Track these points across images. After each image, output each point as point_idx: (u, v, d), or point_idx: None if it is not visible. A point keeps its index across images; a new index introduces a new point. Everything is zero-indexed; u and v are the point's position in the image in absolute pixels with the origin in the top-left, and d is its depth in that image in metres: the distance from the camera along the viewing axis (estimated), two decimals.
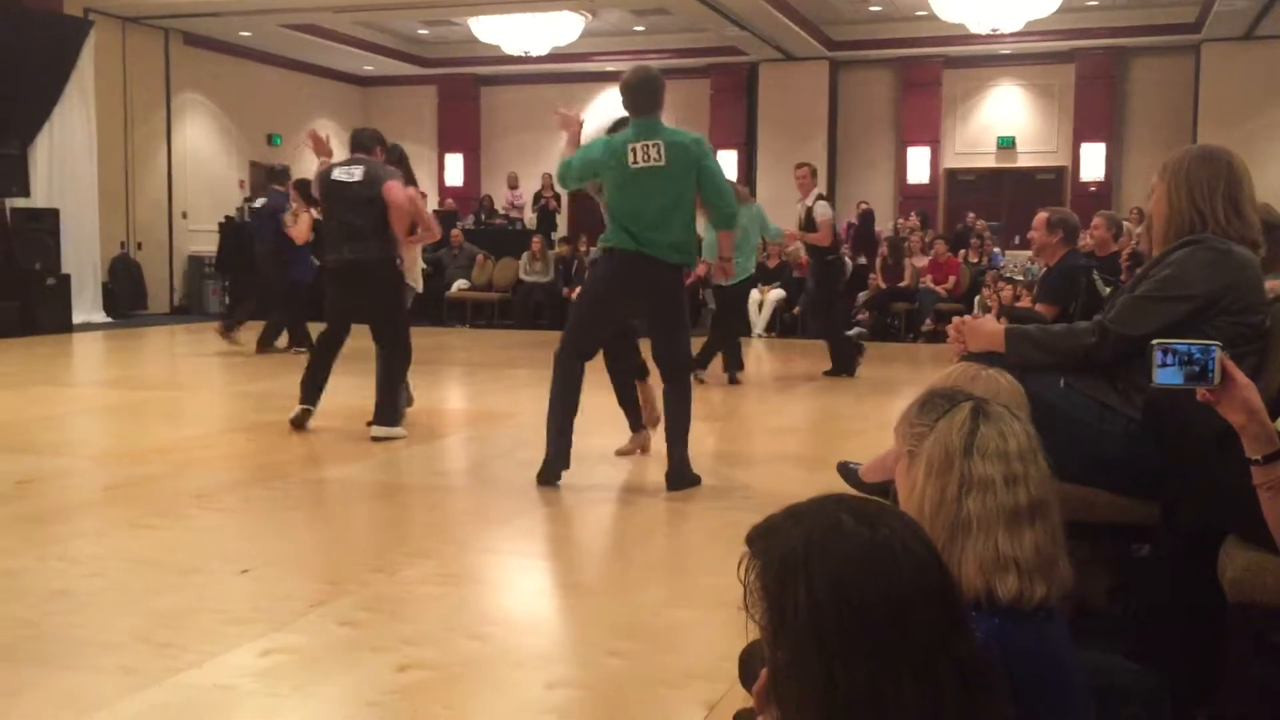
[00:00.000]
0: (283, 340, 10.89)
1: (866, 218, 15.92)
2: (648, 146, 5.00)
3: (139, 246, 16.16)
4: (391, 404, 6.44)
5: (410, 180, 7.02)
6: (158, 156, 16.45)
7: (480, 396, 8.44)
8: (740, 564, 1.28)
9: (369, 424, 6.41)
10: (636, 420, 5.97)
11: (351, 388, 7.82)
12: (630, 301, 5.26)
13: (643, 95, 5.08)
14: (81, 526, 4.50)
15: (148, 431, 6.94)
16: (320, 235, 7.14)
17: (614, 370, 5.89)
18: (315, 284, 9.03)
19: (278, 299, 10.88)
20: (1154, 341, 1.84)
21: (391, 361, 6.51)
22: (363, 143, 6.67)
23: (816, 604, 1.22)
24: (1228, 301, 2.69)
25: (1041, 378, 2.79)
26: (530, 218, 17.93)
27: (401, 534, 4.45)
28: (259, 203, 11.32)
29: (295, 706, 2.77)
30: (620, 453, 5.88)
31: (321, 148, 6.83)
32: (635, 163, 5.01)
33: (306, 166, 17.82)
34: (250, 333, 11.14)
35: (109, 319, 14.80)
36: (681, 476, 5.13)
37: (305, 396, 6.62)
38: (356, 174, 6.47)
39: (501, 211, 17.98)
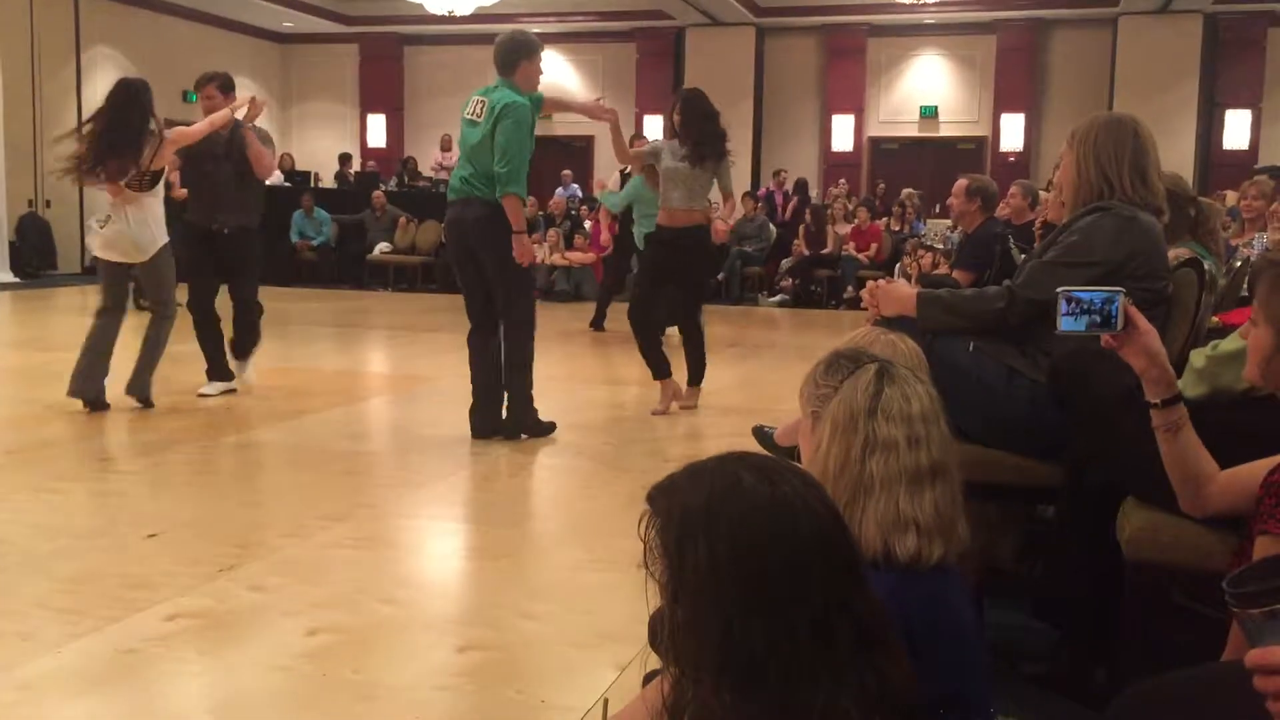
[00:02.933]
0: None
1: (802, 186, 16.14)
2: (478, 101, 5.28)
3: (48, 205, 15.68)
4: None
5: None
6: (68, 112, 15.92)
7: (402, 361, 8.33)
8: (640, 521, 1.28)
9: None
10: (660, 370, 6.27)
11: (265, 353, 7.65)
12: (464, 249, 5.33)
13: (496, 56, 5.33)
14: None
15: (52, 394, 6.73)
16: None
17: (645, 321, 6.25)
18: None
19: None
20: (1059, 290, 1.87)
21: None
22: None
23: (715, 560, 1.22)
24: (1133, 267, 2.73)
25: (950, 341, 2.82)
26: None
27: (315, 498, 4.38)
28: None
29: (200, 671, 2.72)
30: (656, 412, 6.22)
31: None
32: (465, 114, 5.31)
33: None
34: None
35: (16, 279, 14.37)
36: (517, 423, 5.41)
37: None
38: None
39: (430, 173, 17.72)
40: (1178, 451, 1.97)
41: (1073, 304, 1.85)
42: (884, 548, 1.59)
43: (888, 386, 1.66)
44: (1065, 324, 1.86)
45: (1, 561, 3.47)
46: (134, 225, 5.84)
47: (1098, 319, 1.85)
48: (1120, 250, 2.73)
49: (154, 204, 5.93)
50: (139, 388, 5.99)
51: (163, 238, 5.99)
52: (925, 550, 1.60)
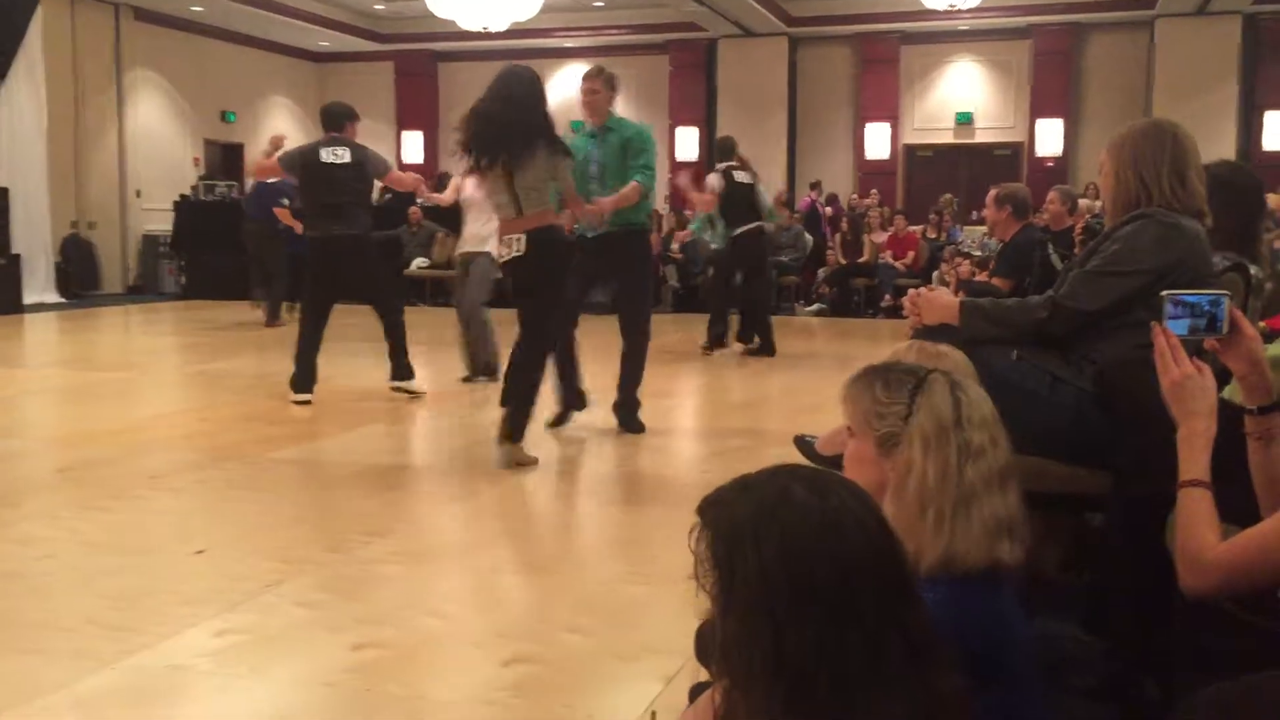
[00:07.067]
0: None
1: (833, 200, 16.28)
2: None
3: (91, 226, 15.90)
4: (403, 359, 7.00)
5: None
6: (109, 134, 16.17)
7: (441, 374, 8.36)
8: (691, 534, 1.28)
9: (390, 381, 7.02)
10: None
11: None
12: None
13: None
14: (33, 509, 4.44)
15: (101, 413, 6.84)
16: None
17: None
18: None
19: (278, 271, 11.82)
20: (1164, 293, 1.84)
21: (398, 324, 6.99)
22: (335, 120, 6.89)
23: (766, 572, 1.22)
24: (1177, 275, 2.70)
25: (994, 349, 2.80)
26: None
27: (359, 513, 4.42)
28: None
29: (250, 687, 2.75)
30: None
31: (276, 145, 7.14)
32: None
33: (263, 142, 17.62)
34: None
35: (62, 299, 14.58)
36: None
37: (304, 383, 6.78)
38: (343, 155, 6.75)
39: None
40: (1267, 460, 1.95)
41: (1179, 306, 1.82)
42: (989, 554, 1.60)
43: (961, 394, 1.67)
44: (1173, 327, 1.82)
45: (53, 579, 3.53)
46: None
47: (1203, 322, 1.82)
48: (1165, 258, 2.70)
49: None
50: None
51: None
52: (1015, 551, 1.63)
